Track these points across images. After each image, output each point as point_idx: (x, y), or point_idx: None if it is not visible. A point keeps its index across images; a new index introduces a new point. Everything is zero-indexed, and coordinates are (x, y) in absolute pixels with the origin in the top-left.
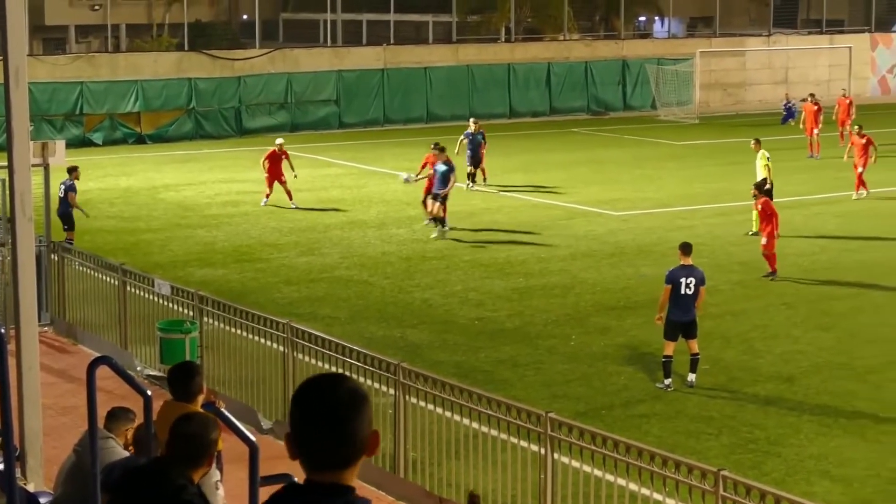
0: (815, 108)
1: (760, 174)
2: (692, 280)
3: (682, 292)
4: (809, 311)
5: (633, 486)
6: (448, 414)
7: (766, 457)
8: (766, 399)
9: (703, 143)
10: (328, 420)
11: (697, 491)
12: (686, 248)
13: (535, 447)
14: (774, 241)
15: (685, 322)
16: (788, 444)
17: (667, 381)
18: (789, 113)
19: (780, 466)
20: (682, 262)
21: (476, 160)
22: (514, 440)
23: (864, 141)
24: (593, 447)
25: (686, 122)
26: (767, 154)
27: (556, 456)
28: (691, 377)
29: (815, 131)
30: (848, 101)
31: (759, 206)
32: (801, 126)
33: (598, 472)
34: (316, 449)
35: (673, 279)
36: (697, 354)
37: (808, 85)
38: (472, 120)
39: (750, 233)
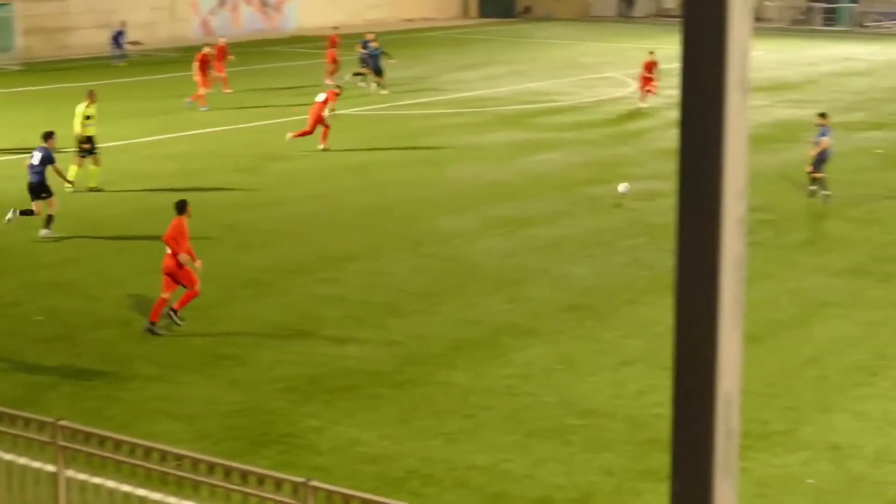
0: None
1: (77, 129)
2: None
3: None
4: (144, 254)
5: None
6: None
7: (108, 402)
8: (106, 343)
9: (29, 90)
10: None
11: (36, 444)
12: None
13: None
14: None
15: None
16: (130, 388)
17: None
18: (117, 42)
19: (123, 411)
20: None
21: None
22: None
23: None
24: None
25: (9, 69)
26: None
27: None
28: None
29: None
30: (225, 47)
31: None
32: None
33: None
34: None
35: None
36: None
37: (132, 28)
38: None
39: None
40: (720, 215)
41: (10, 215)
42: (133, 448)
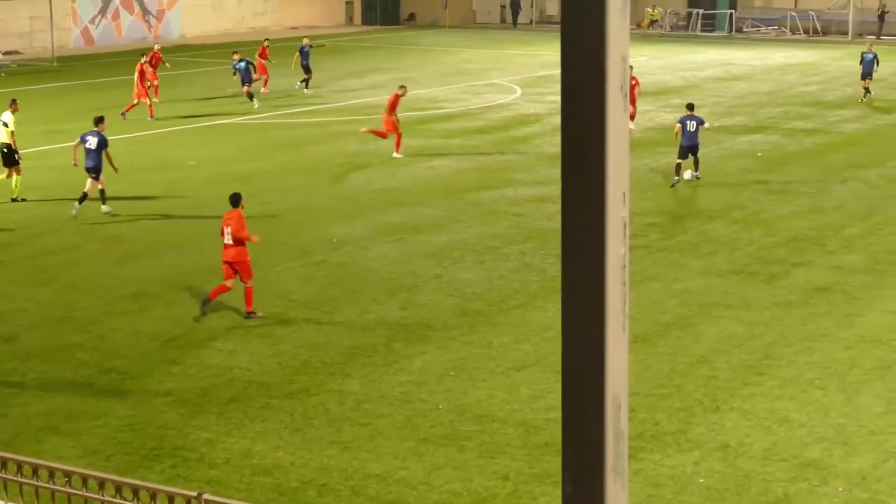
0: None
1: (3, 138)
2: None
3: None
4: (26, 267)
5: None
6: None
7: None
8: None
9: None
10: None
11: None
12: None
13: None
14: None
15: None
16: (14, 405)
17: None
18: None
19: (7, 428)
20: None
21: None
22: None
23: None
24: None
25: None
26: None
27: None
28: None
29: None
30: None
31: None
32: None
33: None
34: None
35: None
36: None
37: (10, 37)
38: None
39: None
40: (604, 218)
41: (74, 212)
42: (20, 465)
